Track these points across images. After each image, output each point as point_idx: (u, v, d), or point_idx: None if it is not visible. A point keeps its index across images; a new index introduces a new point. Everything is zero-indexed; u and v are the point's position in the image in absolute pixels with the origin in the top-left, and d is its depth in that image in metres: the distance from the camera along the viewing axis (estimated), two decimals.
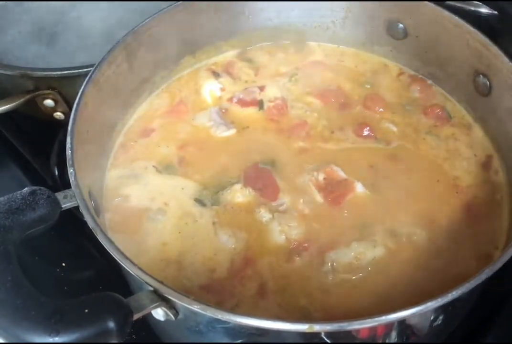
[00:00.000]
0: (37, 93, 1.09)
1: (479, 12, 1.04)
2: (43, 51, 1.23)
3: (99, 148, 0.90)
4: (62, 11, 1.30)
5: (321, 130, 0.97)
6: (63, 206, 0.72)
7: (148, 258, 0.81)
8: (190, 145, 0.95)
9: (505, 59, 0.86)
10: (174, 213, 0.86)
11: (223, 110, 1.00)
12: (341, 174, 0.88)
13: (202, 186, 0.89)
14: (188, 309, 0.63)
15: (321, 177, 0.88)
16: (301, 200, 0.86)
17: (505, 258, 0.67)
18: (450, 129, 0.97)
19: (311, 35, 1.10)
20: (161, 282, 0.64)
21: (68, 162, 0.75)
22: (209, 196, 0.88)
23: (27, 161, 1.23)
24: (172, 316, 0.66)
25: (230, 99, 1.01)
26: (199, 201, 0.87)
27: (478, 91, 0.94)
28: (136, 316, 0.62)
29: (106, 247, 0.68)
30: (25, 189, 0.71)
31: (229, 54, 1.09)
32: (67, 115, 1.13)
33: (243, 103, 1.00)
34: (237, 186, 0.87)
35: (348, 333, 0.65)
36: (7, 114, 1.08)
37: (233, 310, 0.76)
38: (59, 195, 0.72)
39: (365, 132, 0.95)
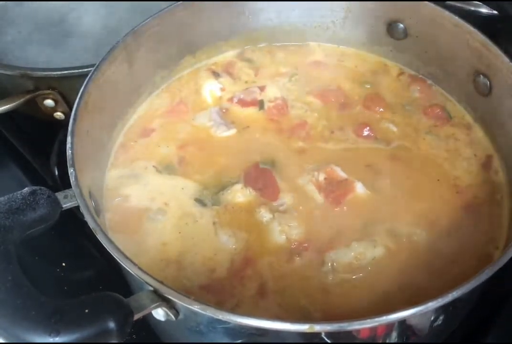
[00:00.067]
0: (37, 93, 1.09)
1: (479, 12, 1.04)
2: (43, 51, 1.23)
3: (99, 148, 0.90)
4: (62, 11, 1.30)
5: (321, 130, 0.97)
6: (63, 206, 0.72)
7: (148, 258, 0.81)
8: (190, 145, 0.95)
9: (505, 59, 0.86)
10: (174, 213, 0.86)
11: (223, 110, 1.00)
12: (342, 174, 0.88)
13: (202, 186, 0.89)
14: (188, 309, 0.63)
15: (321, 177, 0.88)
16: (302, 200, 0.86)
17: (505, 258, 0.67)
18: (450, 129, 0.97)
19: (311, 35, 1.10)
20: (161, 282, 0.64)
21: (68, 162, 0.75)
22: (210, 196, 0.88)
23: (27, 161, 1.23)
24: (173, 316, 0.66)
25: (230, 99, 1.01)
26: (199, 201, 0.87)
27: (478, 91, 0.94)
28: (136, 316, 0.62)
29: (106, 247, 0.68)
30: (25, 189, 0.71)
31: (229, 54, 1.09)
32: (67, 115, 1.13)
33: (243, 103, 1.00)
34: (238, 186, 0.87)
35: (349, 333, 0.64)
36: (7, 114, 1.08)
37: (233, 310, 0.76)
38: (59, 195, 0.72)
39: (365, 132, 0.95)
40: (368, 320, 0.61)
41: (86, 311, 0.59)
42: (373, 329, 0.67)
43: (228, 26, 1.05)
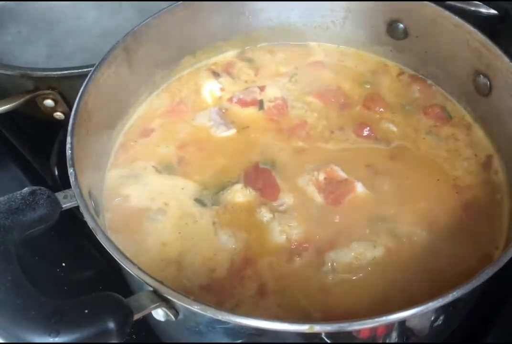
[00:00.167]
0: (37, 93, 1.09)
1: (479, 12, 1.04)
2: (43, 51, 1.23)
3: (99, 148, 0.90)
4: (62, 11, 1.30)
5: (321, 130, 0.97)
6: (63, 206, 0.72)
7: (148, 258, 0.81)
8: (190, 145, 0.95)
9: (505, 59, 0.86)
10: (174, 213, 0.86)
11: (223, 110, 1.00)
12: (342, 174, 0.88)
13: (202, 186, 0.89)
14: (188, 309, 0.63)
15: (321, 177, 0.88)
16: (302, 200, 0.86)
17: (505, 258, 0.67)
18: (450, 129, 0.97)
19: (311, 35, 1.10)
20: (161, 282, 0.64)
21: (68, 162, 0.75)
22: (209, 196, 0.88)
23: (27, 161, 1.23)
24: (172, 317, 0.66)
25: (230, 99, 1.01)
26: (199, 201, 0.87)
27: (478, 91, 0.94)
28: (136, 316, 0.62)
29: (106, 247, 0.68)
30: (25, 189, 0.71)
31: (229, 54, 1.09)
32: (67, 115, 1.13)
33: (243, 103, 1.00)
34: (238, 186, 0.87)
35: (349, 333, 0.64)
36: (7, 114, 1.08)
37: (233, 310, 0.75)
38: (59, 195, 0.72)
39: (365, 132, 0.95)
40: (368, 321, 0.61)
41: (86, 311, 0.59)
42: (373, 329, 0.67)
43: (228, 26, 1.05)
